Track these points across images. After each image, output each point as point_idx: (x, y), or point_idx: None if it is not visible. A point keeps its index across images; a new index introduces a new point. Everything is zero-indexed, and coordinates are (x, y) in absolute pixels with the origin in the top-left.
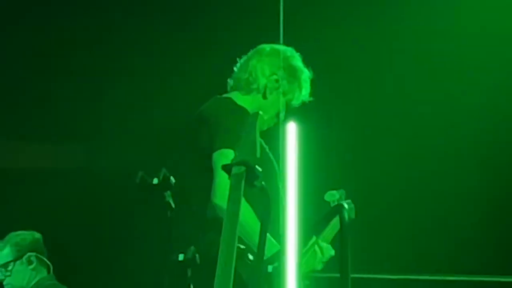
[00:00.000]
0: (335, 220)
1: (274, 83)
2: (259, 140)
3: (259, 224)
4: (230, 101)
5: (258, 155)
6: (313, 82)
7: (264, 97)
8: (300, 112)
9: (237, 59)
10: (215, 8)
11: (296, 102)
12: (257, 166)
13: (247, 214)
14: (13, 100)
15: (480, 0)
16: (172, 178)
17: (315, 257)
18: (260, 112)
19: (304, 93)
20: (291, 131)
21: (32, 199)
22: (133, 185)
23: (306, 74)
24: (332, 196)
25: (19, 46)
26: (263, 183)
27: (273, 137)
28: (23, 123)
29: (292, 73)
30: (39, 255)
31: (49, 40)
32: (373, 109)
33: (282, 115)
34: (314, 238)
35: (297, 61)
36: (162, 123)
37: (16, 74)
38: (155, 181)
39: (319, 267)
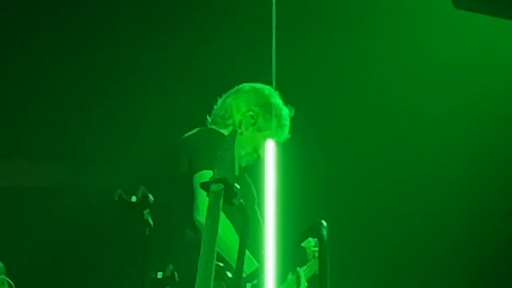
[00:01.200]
0: (315, 262)
1: (250, 119)
2: (237, 158)
3: (238, 239)
4: (211, 129)
5: (236, 173)
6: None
7: (240, 133)
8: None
9: (217, 97)
10: (206, 39)
11: (278, 140)
12: (235, 184)
13: (227, 229)
14: None
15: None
16: (150, 196)
17: None
18: (238, 130)
19: (285, 130)
20: (270, 149)
21: (9, 216)
22: (112, 203)
23: (285, 112)
24: (308, 242)
25: None
26: (241, 200)
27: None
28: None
29: (269, 110)
30: (8, 280)
31: (31, 55)
32: (353, 127)
33: (262, 152)
34: (291, 275)
35: (276, 98)
36: (144, 143)
37: None
38: (134, 199)
39: None
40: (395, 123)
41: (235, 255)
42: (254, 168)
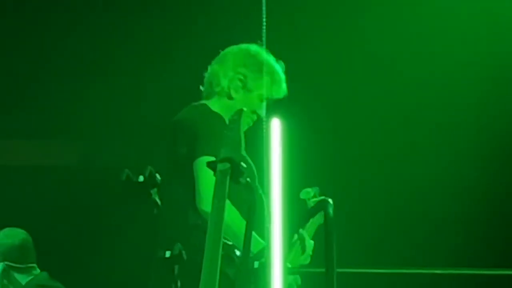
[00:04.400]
0: (317, 216)
1: (238, 82)
2: (243, 137)
3: (244, 224)
4: (205, 107)
5: (243, 152)
6: (296, 80)
7: (230, 97)
8: (284, 108)
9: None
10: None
11: (276, 96)
12: (242, 163)
13: (232, 215)
14: (2, 97)
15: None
16: (158, 175)
17: (301, 252)
18: (244, 109)
19: (282, 85)
20: (275, 127)
21: (20, 196)
22: (119, 183)
23: (278, 67)
24: (307, 194)
25: (7, 42)
26: (248, 179)
27: (255, 135)
28: (10, 121)
29: (256, 69)
30: (11, 264)
31: (38, 36)
32: (357, 104)
33: (262, 112)
34: (295, 235)
35: (264, 55)
36: (150, 122)
37: (5, 70)
38: (141, 178)
39: (307, 261)
40: (404, 92)
41: (241, 239)
42: (254, 145)
